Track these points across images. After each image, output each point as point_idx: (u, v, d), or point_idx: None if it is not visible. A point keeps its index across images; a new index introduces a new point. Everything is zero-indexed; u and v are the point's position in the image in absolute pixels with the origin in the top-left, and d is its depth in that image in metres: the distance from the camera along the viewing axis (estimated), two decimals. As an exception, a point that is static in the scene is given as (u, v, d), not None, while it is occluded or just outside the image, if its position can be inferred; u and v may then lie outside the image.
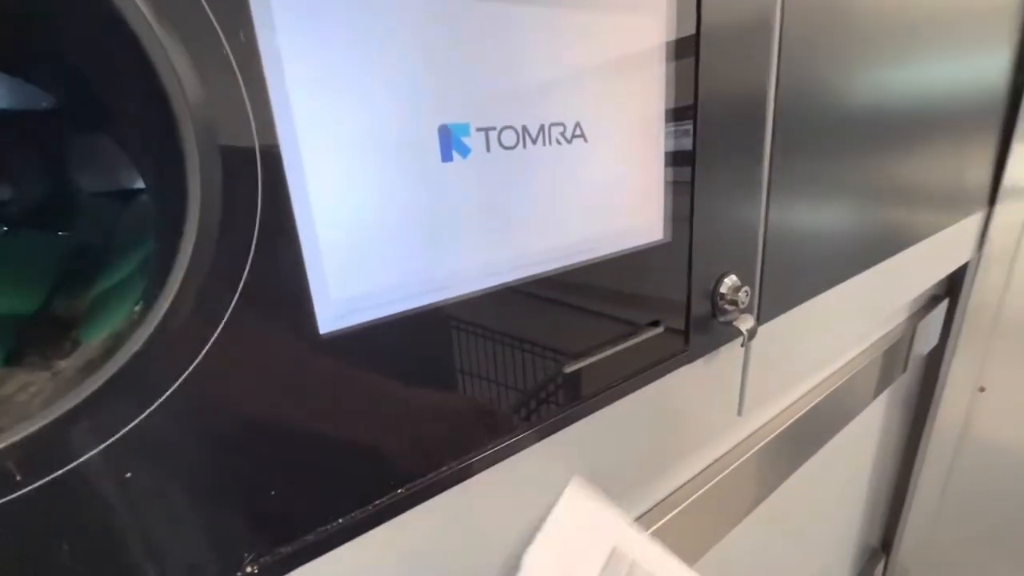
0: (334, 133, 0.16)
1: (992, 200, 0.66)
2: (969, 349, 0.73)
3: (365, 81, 0.16)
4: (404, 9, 0.16)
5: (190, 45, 0.13)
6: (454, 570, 0.24)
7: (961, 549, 0.87)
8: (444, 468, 0.21)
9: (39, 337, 0.24)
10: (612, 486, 0.30)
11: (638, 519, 0.35)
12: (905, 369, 0.72)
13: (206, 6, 0.13)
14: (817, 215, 0.36)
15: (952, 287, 0.76)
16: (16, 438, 0.13)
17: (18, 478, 0.13)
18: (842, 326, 0.48)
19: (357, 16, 0.16)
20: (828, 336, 0.46)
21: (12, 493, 0.13)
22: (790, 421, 0.47)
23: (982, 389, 0.72)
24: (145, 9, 0.12)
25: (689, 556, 0.39)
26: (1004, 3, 0.56)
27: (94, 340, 0.22)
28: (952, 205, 0.59)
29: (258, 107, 0.14)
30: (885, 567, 0.99)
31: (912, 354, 0.71)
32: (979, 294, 0.70)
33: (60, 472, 0.13)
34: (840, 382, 0.55)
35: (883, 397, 0.74)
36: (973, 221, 0.66)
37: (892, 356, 0.66)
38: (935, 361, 0.80)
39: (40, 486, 0.13)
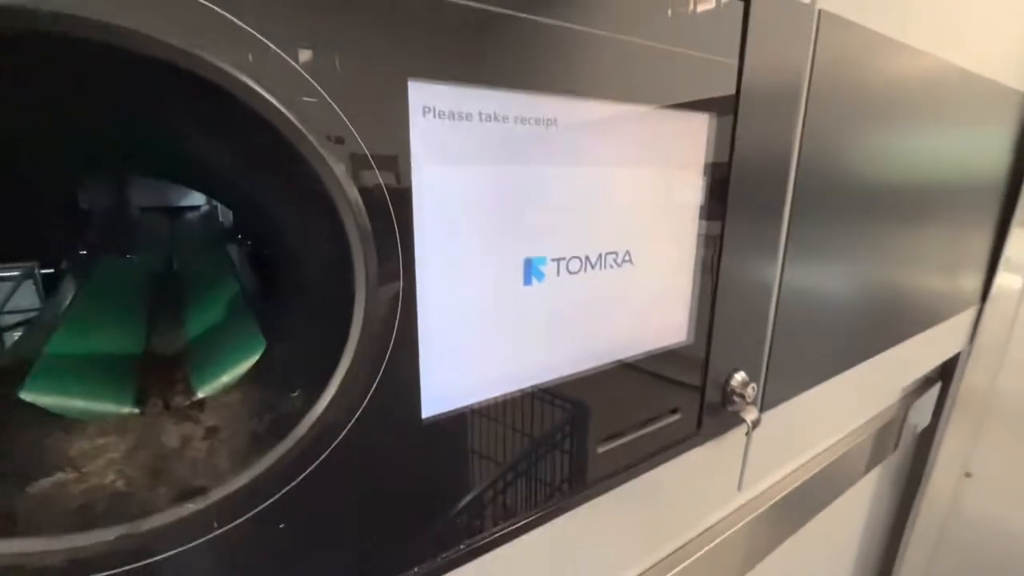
0: (448, 269, 0.21)
1: (984, 296, 0.71)
2: (959, 431, 0.77)
3: (475, 227, 0.21)
4: (502, 176, 0.22)
5: (370, 209, 0.18)
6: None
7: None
8: (507, 524, 0.25)
9: (154, 380, 0.29)
10: (625, 549, 0.34)
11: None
12: (896, 447, 0.75)
13: (388, 201, 0.18)
14: (819, 318, 0.41)
15: (945, 370, 0.80)
16: (218, 497, 0.17)
17: (215, 525, 0.17)
18: (839, 409, 0.52)
19: (477, 188, 0.21)
20: (826, 418, 0.50)
21: (203, 537, 0.17)
22: (784, 492, 0.50)
23: (968, 475, 0.75)
24: (338, 173, 0.17)
25: None
26: (1008, 98, 0.62)
27: (206, 390, 0.26)
28: (948, 300, 0.64)
29: (404, 242, 0.19)
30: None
31: (904, 433, 0.75)
32: (969, 381, 0.74)
33: (239, 520, 0.18)
34: (834, 457, 0.58)
35: (874, 474, 0.77)
36: (967, 315, 0.71)
37: (885, 434, 0.70)
38: (926, 441, 0.83)
39: (225, 530, 0.18)
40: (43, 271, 0.48)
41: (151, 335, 0.36)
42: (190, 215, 0.65)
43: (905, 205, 0.48)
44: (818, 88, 0.33)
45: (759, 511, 0.47)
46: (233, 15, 0.14)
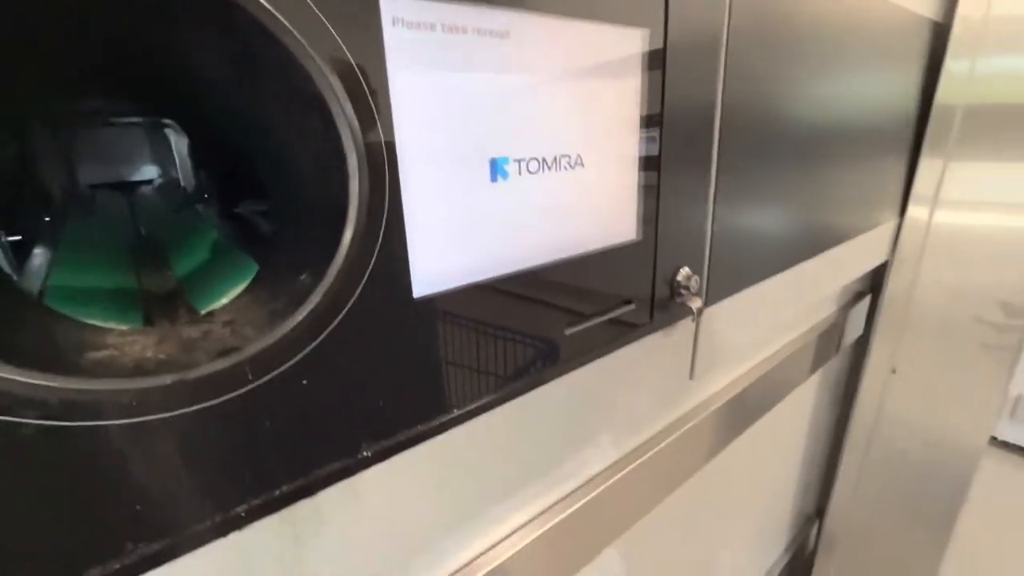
0: (426, 164, 0.24)
1: (902, 211, 0.79)
2: (886, 336, 0.86)
3: (446, 129, 0.25)
4: (465, 83, 0.25)
5: (358, 113, 0.21)
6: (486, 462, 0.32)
7: (879, 515, 1.01)
8: (481, 399, 0.30)
9: (156, 307, 0.31)
10: (583, 436, 0.39)
11: (601, 472, 0.44)
12: (837, 352, 0.84)
13: (371, 102, 0.21)
14: (755, 218, 0.46)
15: (874, 284, 0.89)
16: (251, 352, 0.20)
17: (249, 377, 0.21)
18: (779, 310, 0.58)
19: (444, 93, 0.24)
20: (767, 317, 0.56)
21: (242, 388, 0.21)
22: (734, 392, 0.57)
23: (893, 371, 0.85)
24: (328, 74, 0.20)
25: (638, 512, 0.49)
26: (917, 37, 0.68)
27: (205, 309, 0.29)
28: (870, 212, 0.71)
29: (387, 142, 0.22)
30: (818, 532, 1.12)
31: (843, 341, 0.84)
32: (892, 290, 0.83)
33: (268, 377, 0.21)
34: (780, 360, 0.66)
35: (816, 377, 0.86)
36: (889, 228, 0.79)
37: (825, 341, 0.78)
38: (860, 348, 0.93)
39: (259, 384, 0.21)
40: (9, 239, 0.48)
41: (141, 279, 0.38)
42: (144, 189, 0.65)
43: (829, 125, 0.54)
44: (738, 10, 0.37)
45: (714, 408, 0.54)
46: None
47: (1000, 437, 1.03)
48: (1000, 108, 0.71)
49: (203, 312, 0.29)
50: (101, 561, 0.18)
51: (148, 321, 0.28)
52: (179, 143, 0.60)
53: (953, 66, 0.71)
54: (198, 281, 0.36)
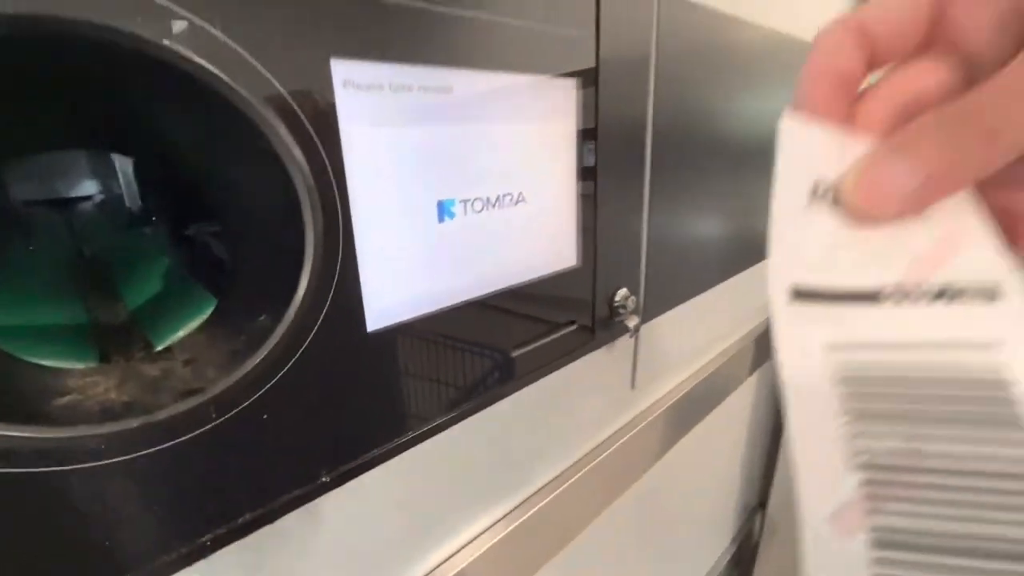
0: (377, 209, 0.27)
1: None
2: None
3: (395, 177, 0.27)
4: (413, 135, 0.27)
5: (311, 165, 0.23)
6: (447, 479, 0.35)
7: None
8: (435, 421, 0.32)
9: (110, 341, 0.32)
10: (534, 448, 0.42)
11: (553, 479, 0.47)
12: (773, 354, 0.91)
13: (324, 158, 0.23)
14: (687, 239, 0.51)
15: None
16: (214, 392, 0.22)
17: (213, 415, 0.22)
18: (715, 320, 0.63)
19: (393, 144, 0.26)
20: (704, 328, 0.61)
21: (207, 425, 0.22)
22: (676, 398, 0.61)
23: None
24: (283, 134, 0.22)
25: (591, 514, 0.52)
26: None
27: (162, 344, 0.30)
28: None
29: (340, 191, 0.24)
30: (762, 522, 1.20)
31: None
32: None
33: (231, 414, 0.23)
34: (719, 364, 0.71)
35: (755, 378, 0.93)
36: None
37: (763, 343, 0.84)
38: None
39: (222, 421, 0.23)
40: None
41: (89, 311, 0.38)
42: (83, 205, 0.63)
43: (748, 148, 0.59)
44: (664, 55, 0.41)
45: (658, 412, 0.58)
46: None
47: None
48: None
49: (160, 348, 0.29)
50: (72, 596, 0.20)
51: (104, 357, 0.29)
52: (123, 161, 0.59)
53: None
54: (151, 313, 0.36)
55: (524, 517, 0.43)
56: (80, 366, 0.27)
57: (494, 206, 0.32)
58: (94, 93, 0.24)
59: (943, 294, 0.14)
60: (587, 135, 0.37)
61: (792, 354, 0.15)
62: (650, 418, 0.56)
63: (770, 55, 0.58)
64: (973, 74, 0.15)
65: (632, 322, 0.43)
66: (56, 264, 0.51)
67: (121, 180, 0.58)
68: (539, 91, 0.33)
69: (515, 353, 0.36)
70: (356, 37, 0.24)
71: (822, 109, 0.16)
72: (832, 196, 0.16)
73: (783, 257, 0.16)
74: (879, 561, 0.13)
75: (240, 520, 0.24)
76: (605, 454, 0.51)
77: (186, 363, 0.26)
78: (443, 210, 0.30)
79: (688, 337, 0.57)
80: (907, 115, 0.15)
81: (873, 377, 0.14)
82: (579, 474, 0.48)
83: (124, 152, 0.50)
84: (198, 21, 0.19)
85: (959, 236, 0.14)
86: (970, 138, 0.14)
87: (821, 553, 0.14)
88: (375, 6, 0.24)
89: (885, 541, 0.13)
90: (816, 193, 0.16)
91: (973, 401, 0.13)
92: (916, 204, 0.15)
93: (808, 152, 0.16)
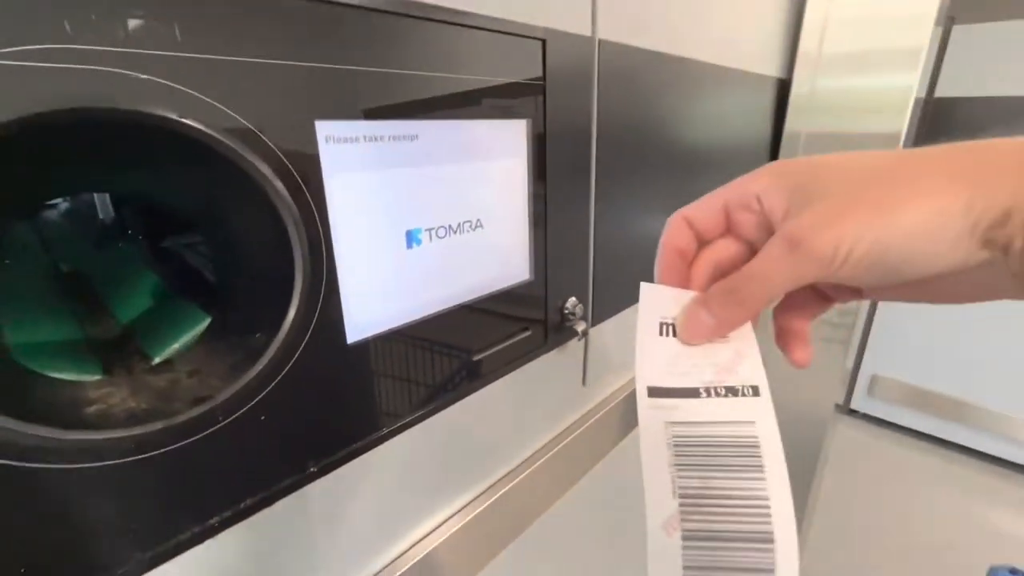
0: (354, 240, 0.31)
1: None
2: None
3: (369, 212, 0.32)
4: (384, 176, 0.32)
5: (299, 207, 0.28)
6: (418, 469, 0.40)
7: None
8: (406, 418, 0.37)
9: (109, 355, 0.36)
10: (495, 441, 0.48)
11: (513, 469, 0.52)
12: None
13: (309, 199, 0.28)
14: (632, 251, 0.57)
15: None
16: (220, 399, 0.27)
17: (220, 419, 0.27)
18: (658, 323, 0.70)
19: (367, 186, 0.31)
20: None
21: (214, 427, 0.27)
22: (625, 393, 0.68)
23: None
24: (277, 185, 0.27)
25: (549, 500, 0.58)
26: (763, 82, 0.83)
27: (160, 356, 0.34)
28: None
29: (323, 226, 0.29)
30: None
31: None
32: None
33: (233, 417, 0.27)
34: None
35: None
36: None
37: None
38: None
39: (226, 423, 0.27)
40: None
41: (82, 326, 0.42)
42: (48, 214, 0.65)
43: (688, 164, 0.66)
44: (605, 91, 0.47)
45: (608, 407, 0.64)
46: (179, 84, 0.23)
47: (860, 410, 1.24)
48: (833, 135, 0.88)
49: (158, 360, 0.33)
50: (133, 551, 0.24)
51: (106, 370, 0.33)
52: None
53: (796, 99, 0.88)
54: (147, 327, 0.40)
55: (488, 503, 0.49)
56: (89, 379, 0.31)
57: (456, 232, 0.37)
58: (101, 158, 0.28)
59: (731, 391, 0.23)
60: (537, 164, 0.42)
61: (647, 428, 0.24)
62: (601, 413, 0.62)
63: (707, 84, 0.65)
64: (753, 248, 0.25)
65: (581, 327, 0.49)
66: (33, 279, 0.54)
67: (94, 195, 0.60)
68: (493, 132, 0.38)
69: (477, 357, 0.41)
70: (336, 101, 0.29)
71: (670, 271, 0.27)
72: (672, 329, 0.25)
73: (643, 368, 0.25)
74: (686, 547, 0.22)
75: (242, 504, 0.29)
76: (561, 445, 0.57)
77: (190, 374, 0.31)
78: (411, 238, 0.35)
79: (634, 338, 0.64)
80: (718, 274, 0.25)
81: (687, 443, 0.23)
82: (537, 463, 0.54)
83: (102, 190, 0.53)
84: (208, 99, 0.24)
85: (743, 351, 0.24)
86: (732, 303, 0.23)
87: (657, 547, 0.22)
88: (351, 75, 0.29)
89: (689, 537, 0.22)
90: (663, 327, 0.26)
91: (738, 456, 0.22)
92: (713, 334, 0.24)
93: (658, 303, 0.26)
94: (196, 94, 0.23)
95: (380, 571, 0.41)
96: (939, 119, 1.17)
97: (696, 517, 0.22)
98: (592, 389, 0.60)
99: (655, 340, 0.25)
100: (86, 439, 0.23)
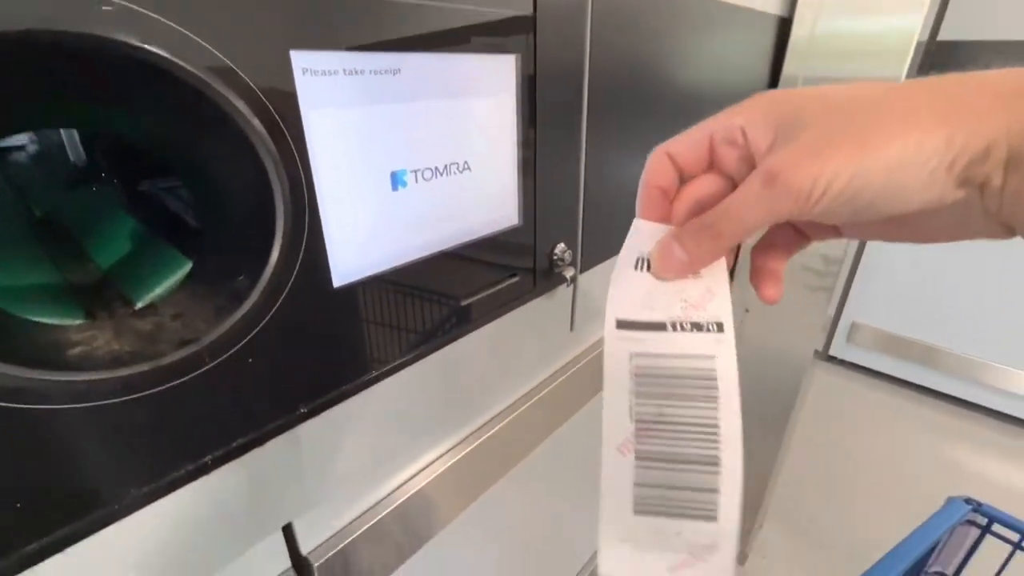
0: (337, 181, 0.30)
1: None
2: (738, 285, 1.04)
3: (352, 151, 0.31)
4: (366, 113, 0.31)
5: (277, 145, 0.27)
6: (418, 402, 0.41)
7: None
8: (394, 361, 0.37)
9: (90, 299, 0.35)
10: (485, 384, 0.49)
11: (501, 411, 0.54)
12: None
13: (288, 138, 0.27)
14: (621, 199, 0.56)
15: (736, 239, 1.06)
16: (206, 342, 0.26)
17: (207, 360, 0.27)
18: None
19: (349, 123, 0.30)
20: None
21: (201, 368, 0.27)
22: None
23: (747, 310, 1.03)
24: (254, 121, 0.25)
25: (534, 442, 0.60)
26: (763, 19, 0.80)
27: (142, 301, 0.34)
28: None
29: (304, 166, 0.28)
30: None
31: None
32: (744, 245, 1.00)
33: (220, 359, 0.27)
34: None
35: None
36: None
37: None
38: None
39: (214, 364, 0.27)
40: None
41: (62, 272, 0.41)
42: (16, 156, 0.62)
43: (684, 107, 0.64)
44: (599, 27, 0.45)
45: (594, 353, 0.65)
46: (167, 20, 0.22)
47: (838, 356, 1.28)
48: (831, 80, 0.86)
49: (140, 305, 0.33)
50: (129, 487, 0.25)
51: (89, 314, 0.32)
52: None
53: (796, 41, 0.85)
54: (127, 272, 0.39)
55: (477, 443, 0.50)
56: (71, 323, 0.30)
57: (442, 174, 0.36)
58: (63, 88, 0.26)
59: (696, 327, 0.24)
60: (526, 105, 0.41)
61: (612, 357, 0.25)
62: (588, 358, 0.64)
63: (704, 16, 0.62)
64: (735, 183, 0.25)
65: (569, 273, 0.49)
66: (8, 223, 0.52)
67: (63, 134, 0.58)
68: (480, 67, 0.37)
69: (465, 302, 0.41)
70: (312, 29, 0.27)
71: (650, 208, 0.26)
72: (647, 264, 0.26)
73: (614, 300, 0.25)
74: (639, 466, 0.24)
75: (235, 443, 0.29)
76: (548, 388, 0.58)
77: (174, 317, 0.30)
78: (396, 179, 0.34)
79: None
80: (699, 210, 0.25)
81: (649, 373, 0.24)
82: (525, 405, 0.55)
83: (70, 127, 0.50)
84: (172, 24, 0.22)
85: (714, 289, 0.25)
86: (706, 238, 0.23)
87: (611, 465, 0.24)
88: (328, 1, 0.27)
89: (642, 457, 0.24)
90: (639, 262, 0.26)
91: (695, 388, 0.23)
92: (686, 270, 0.25)
93: (638, 237, 0.26)
94: (159, 18, 0.21)
95: (370, 508, 0.42)
96: (941, 64, 1.14)
97: (650, 440, 0.24)
98: (580, 334, 0.61)
99: (630, 274, 0.26)
100: (72, 379, 0.22)
